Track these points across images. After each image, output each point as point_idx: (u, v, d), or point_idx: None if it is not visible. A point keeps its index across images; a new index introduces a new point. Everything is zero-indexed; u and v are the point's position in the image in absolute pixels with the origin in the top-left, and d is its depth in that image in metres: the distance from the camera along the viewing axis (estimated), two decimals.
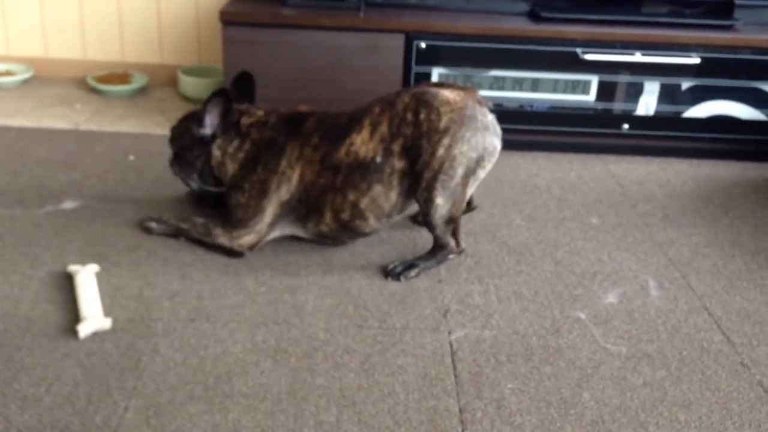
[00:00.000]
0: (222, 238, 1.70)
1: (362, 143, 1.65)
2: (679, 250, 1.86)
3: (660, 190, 2.21)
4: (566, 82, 2.34)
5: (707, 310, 1.62)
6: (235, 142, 1.72)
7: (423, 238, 1.77)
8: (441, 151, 1.60)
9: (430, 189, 1.61)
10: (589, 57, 2.28)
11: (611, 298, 1.64)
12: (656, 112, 2.37)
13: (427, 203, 1.63)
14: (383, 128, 1.65)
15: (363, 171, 1.65)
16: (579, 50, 2.28)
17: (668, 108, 2.37)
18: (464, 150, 1.61)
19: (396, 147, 1.63)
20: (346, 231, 1.72)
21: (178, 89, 2.78)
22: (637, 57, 2.29)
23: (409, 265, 1.68)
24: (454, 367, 1.39)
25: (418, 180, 1.62)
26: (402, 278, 1.66)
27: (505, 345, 1.46)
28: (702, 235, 1.94)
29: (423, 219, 1.68)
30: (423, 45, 2.28)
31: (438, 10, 2.41)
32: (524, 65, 2.32)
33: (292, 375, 1.34)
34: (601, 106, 2.36)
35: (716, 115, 2.38)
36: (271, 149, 1.69)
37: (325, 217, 1.69)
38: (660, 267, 1.78)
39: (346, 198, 1.66)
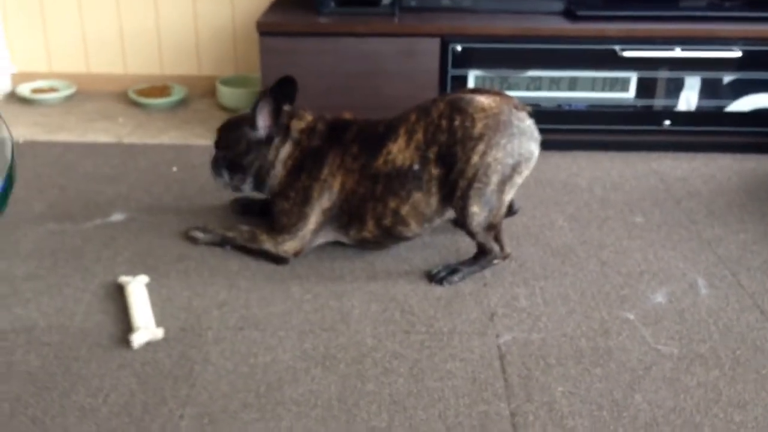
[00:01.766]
0: (267, 243, 1.72)
1: (399, 151, 1.65)
2: (728, 248, 1.83)
3: (704, 186, 2.17)
4: (604, 80, 2.31)
5: (759, 308, 1.59)
6: (288, 148, 1.74)
7: (466, 242, 1.76)
8: (475, 158, 1.59)
9: (466, 197, 1.61)
10: (627, 54, 2.25)
11: (660, 298, 1.62)
12: (698, 107, 2.34)
13: (463, 211, 1.62)
14: (419, 136, 1.65)
15: (401, 179, 1.65)
16: (617, 47, 2.26)
17: (710, 103, 2.33)
18: (499, 156, 1.60)
19: (432, 154, 1.63)
20: (388, 237, 1.72)
21: (216, 100, 2.82)
22: (677, 52, 2.26)
23: (453, 270, 1.68)
24: (503, 371, 1.38)
25: (453, 188, 1.62)
26: (445, 283, 1.66)
27: (553, 347, 1.45)
28: (750, 232, 1.91)
29: (462, 227, 1.67)
30: (459, 48, 2.28)
31: (472, 13, 2.41)
32: (561, 64, 2.30)
33: (341, 381, 1.35)
34: (641, 103, 2.34)
35: (759, 108, 2.34)
36: (314, 157, 1.71)
37: (367, 224, 1.70)
38: (709, 265, 1.75)
39: (387, 206, 1.67)
